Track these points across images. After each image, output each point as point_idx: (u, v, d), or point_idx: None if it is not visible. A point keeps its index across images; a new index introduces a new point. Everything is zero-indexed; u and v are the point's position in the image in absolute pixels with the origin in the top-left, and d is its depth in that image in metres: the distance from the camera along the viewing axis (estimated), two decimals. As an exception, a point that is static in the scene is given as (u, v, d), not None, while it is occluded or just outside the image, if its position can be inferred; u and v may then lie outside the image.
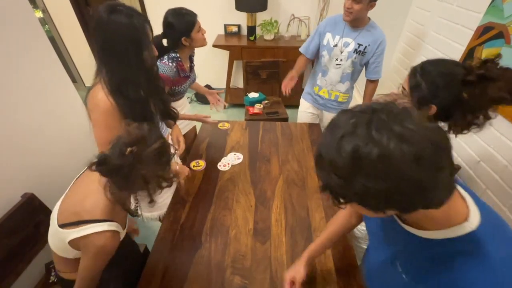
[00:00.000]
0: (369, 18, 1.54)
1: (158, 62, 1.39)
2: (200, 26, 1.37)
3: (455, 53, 1.46)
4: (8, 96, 1.17)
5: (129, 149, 0.65)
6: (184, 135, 1.77)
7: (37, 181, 1.28)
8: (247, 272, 0.97)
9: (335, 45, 1.57)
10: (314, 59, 1.79)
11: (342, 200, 0.44)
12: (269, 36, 2.86)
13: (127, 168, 0.65)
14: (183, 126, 1.71)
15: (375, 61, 1.58)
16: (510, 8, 1.15)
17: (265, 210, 1.21)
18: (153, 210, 1.28)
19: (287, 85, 1.71)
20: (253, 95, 2.68)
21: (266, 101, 2.54)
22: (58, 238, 0.75)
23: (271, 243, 1.07)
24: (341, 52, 1.57)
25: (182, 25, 1.32)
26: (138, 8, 2.91)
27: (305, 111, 1.94)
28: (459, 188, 0.52)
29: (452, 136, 0.89)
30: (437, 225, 0.49)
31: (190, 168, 1.43)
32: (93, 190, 0.73)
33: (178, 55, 1.39)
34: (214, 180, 1.36)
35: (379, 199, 0.40)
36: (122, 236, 0.83)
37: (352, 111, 0.42)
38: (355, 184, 0.39)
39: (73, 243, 0.73)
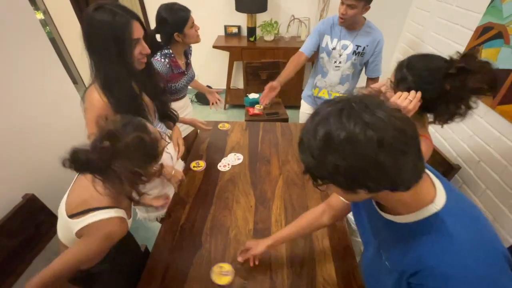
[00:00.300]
0: (365, 18, 1.54)
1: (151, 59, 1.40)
2: (193, 22, 1.36)
3: (455, 53, 1.47)
4: (9, 96, 1.18)
5: (101, 144, 0.65)
6: (185, 137, 1.78)
7: (38, 182, 1.28)
8: (247, 273, 0.97)
9: (334, 48, 1.57)
10: (314, 61, 1.79)
11: (320, 182, 0.50)
12: (269, 37, 2.87)
13: (99, 163, 0.64)
14: (185, 128, 1.71)
15: (374, 60, 1.59)
16: (509, 8, 1.15)
17: (265, 210, 1.21)
18: (150, 211, 1.27)
19: (265, 97, 1.64)
20: (253, 96, 2.68)
21: (266, 102, 2.54)
22: (67, 229, 0.76)
23: (271, 244, 1.07)
24: (340, 55, 1.57)
25: (174, 20, 1.31)
26: (138, 7, 2.92)
27: (305, 112, 1.95)
28: (429, 173, 0.56)
29: (450, 132, 0.91)
30: (408, 208, 0.53)
31: (190, 169, 1.44)
32: (86, 184, 0.74)
33: (171, 51, 1.39)
34: (214, 180, 1.37)
35: (348, 177, 0.45)
36: (129, 225, 0.83)
37: (330, 101, 0.48)
38: (327, 163, 0.45)
39: (80, 233, 0.73)
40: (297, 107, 3.15)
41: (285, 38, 2.91)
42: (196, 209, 1.22)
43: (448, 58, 0.78)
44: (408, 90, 0.80)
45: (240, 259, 0.98)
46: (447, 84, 0.75)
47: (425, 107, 0.81)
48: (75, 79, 3.41)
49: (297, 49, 2.88)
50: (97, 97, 0.90)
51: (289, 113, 2.54)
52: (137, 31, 0.89)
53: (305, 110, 1.95)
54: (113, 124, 0.70)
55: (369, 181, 0.45)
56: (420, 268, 0.50)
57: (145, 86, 1.03)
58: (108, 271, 0.89)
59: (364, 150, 0.42)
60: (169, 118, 1.20)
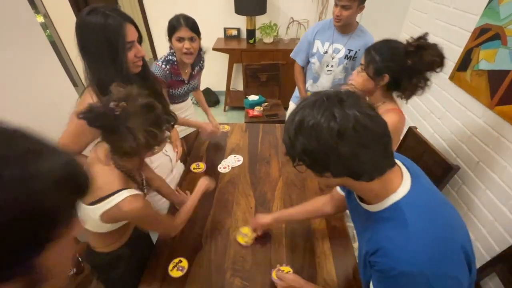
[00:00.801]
0: (357, 23, 1.54)
1: (153, 64, 1.40)
2: (181, 37, 1.28)
3: (453, 54, 1.47)
4: (9, 99, 1.18)
5: (115, 102, 0.66)
6: (186, 137, 1.79)
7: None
8: (247, 274, 0.97)
9: (325, 52, 1.57)
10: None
11: (296, 163, 0.57)
12: (268, 39, 2.88)
13: (113, 119, 0.65)
14: (184, 128, 1.71)
15: None
16: (506, 10, 1.16)
17: (265, 211, 1.21)
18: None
19: None
20: (252, 97, 2.69)
21: (265, 104, 2.55)
22: (88, 216, 0.77)
23: (271, 245, 1.07)
24: (332, 58, 1.57)
25: (168, 25, 1.30)
26: (137, 8, 2.94)
27: None
28: (401, 165, 0.63)
29: (449, 133, 0.98)
30: (377, 198, 0.60)
31: (190, 171, 1.44)
32: (97, 172, 0.76)
33: (175, 58, 1.39)
34: (214, 182, 1.37)
35: (312, 159, 0.54)
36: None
37: (313, 94, 0.56)
38: (297, 145, 0.53)
39: (105, 217, 0.75)
40: (297, 108, 3.17)
41: (284, 40, 2.92)
42: (196, 210, 1.21)
43: (406, 42, 0.94)
44: (377, 70, 0.97)
45: (250, 226, 1.09)
46: (409, 59, 0.91)
47: (391, 83, 0.97)
48: (76, 81, 3.42)
49: (296, 51, 2.87)
50: (89, 102, 0.88)
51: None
52: (131, 34, 0.88)
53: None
54: (126, 90, 0.72)
55: (330, 165, 0.53)
56: (377, 248, 0.57)
57: (142, 89, 1.04)
58: (127, 255, 0.92)
59: (325, 138, 0.50)
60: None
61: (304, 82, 1.76)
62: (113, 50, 0.85)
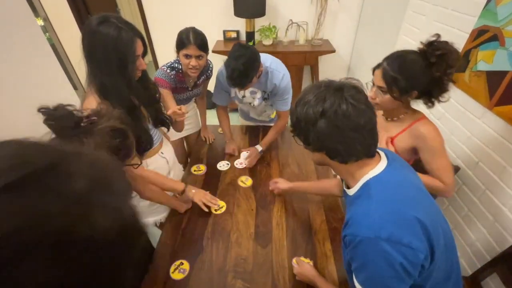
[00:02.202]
0: (262, 64, 1.35)
1: (159, 68, 1.41)
2: (189, 55, 1.29)
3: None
4: (9, 102, 1.18)
5: (88, 113, 0.65)
6: (187, 137, 1.79)
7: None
8: (249, 276, 0.97)
9: (244, 96, 1.50)
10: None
11: (293, 133, 0.69)
12: (267, 42, 2.89)
13: (72, 127, 0.62)
14: (189, 128, 1.71)
15: (282, 98, 1.47)
16: (504, 11, 1.17)
17: (266, 213, 1.21)
18: (148, 216, 1.27)
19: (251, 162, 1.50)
20: (252, 99, 2.69)
21: (265, 105, 2.56)
22: None
23: (273, 247, 1.07)
24: (254, 99, 1.50)
25: (177, 38, 1.30)
26: (136, 9, 2.96)
27: (244, 122, 1.89)
28: (382, 153, 0.70)
29: (448, 134, 0.98)
30: (354, 180, 0.68)
31: (191, 173, 1.44)
32: None
33: (180, 66, 1.38)
34: (215, 184, 1.37)
35: (299, 127, 0.65)
36: None
37: (320, 80, 0.67)
38: (294, 114, 0.66)
39: None
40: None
41: (283, 43, 2.94)
42: (197, 213, 1.22)
43: (417, 50, 0.91)
44: (403, 90, 0.91)
45: (271, 187, 1.27)
46: (436, 71, 0.86)
47: (421, 96, 0.94)
48: (75, 85, 3.42)
49: (295, 53, 2.90)
50: (94, 104, 0.90)
51: (289, 116, 2.55)
52: (139, 48, 0.93)
53: (245, 123, 1.88)
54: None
55: (310, 137, 0.64)
56: (347, 221, 0.65)
57: (141, 96, 1.06)
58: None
59: (310, 113, 0.61)
60: (162, 124, 1.21)
61: (228, 123, 1.65)
62: (122, 62, 0.89)
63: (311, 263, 1.00)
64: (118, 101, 0.93)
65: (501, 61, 1.17)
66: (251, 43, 2.88)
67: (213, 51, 2.85)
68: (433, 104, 0.95)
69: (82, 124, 0.65)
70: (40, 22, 2.88)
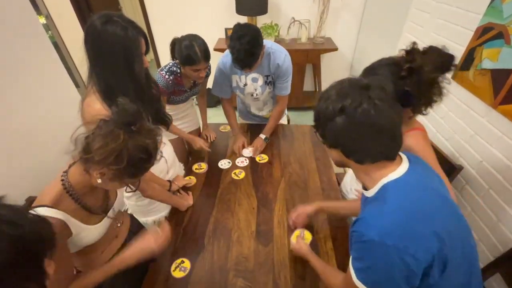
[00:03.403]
0: (264, 46, 1.32)
1: (157, 72, 1.39)
2: (198, 69, 1.29)
3: (455, 53, 1.46)
4: (12, 100, 1.19)
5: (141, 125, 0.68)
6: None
7: (41, 184, 1.28)
8: (250, 275, 0.97)
9: (245, 84, 1.49)
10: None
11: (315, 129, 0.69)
12: (269, 40, 2.88)
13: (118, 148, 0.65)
14: (187, 126, 1.71)
15: (283, 81, 1.46)
16: (509, 8, 1.15)
17: (267, 212, 1.21)
18: (147, 215, 1.27)
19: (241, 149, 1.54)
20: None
21: (267, 104, 2.55)
22: None
23: (274, 245, 1.07)
24: (255, 89, 1.50)
25: (182, 56, 1.26)
26: (138, 8, 2.95)
27: (244, 121, 1.88)
28: (403, 156, 0.68)
29: (451, 132, 0.91)
30: (373, 182, 0.65)
31: (192, 171, 1.44)
32: (54, 181, 0.74)
33: (179, 70, 1.38)
34: (216, 183, 1.37)
35: (319, 123, 0.65)
36: (97, 232, 0.81)
37: (347, 78, 0.66)
38: (316, 107, 0.66)
39: None
40: (298, 108, 3.16)
41: (285, 40, 2.92)
42: (198, 211, 1.22)
43: (398, 57, 0.80)
44: None
45: (291, 221, 1.11)
46: (406, 86, 0.76)
47: (403, 105, 0.81)
48: (77, 82, 3.43)
49: (297, 51, 2.87)
50: (101, 109, 0.88)
51: (290, 115, 2.55)
52: (142, 47, 0.93)
53: (243, 121, 1.87)
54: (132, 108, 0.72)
55: (326, 131, 0.64)
56: (357, 219, 0.63)
57: (146, 95, 1.05)
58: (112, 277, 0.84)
59: (330, 107, 0.61)
60: (161, 123, 1.20)
61: (235, 117, 1.67)
62: (129, 61, 0.89)
63: (311, 239, 1.06)
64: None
65: (507, 59, 1.16)
66: (253, 41, 2.86)
67: (215, 49, 2.84)
68: (418, 113, 0.85)
69: (133, 127, 0.68)
70: (42, 20, 2.88)
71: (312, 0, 2.80)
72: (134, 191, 0.88)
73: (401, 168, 0.64)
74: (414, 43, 0.79)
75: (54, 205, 0.71)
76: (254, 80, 1.47)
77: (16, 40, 1.21)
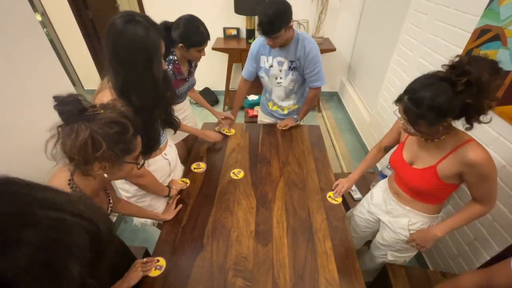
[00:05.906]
0: (293, 30, 1.47)
1: None
2: (203, 49, 1.35)
3: (453, 55, 1.48)
4: (7, 97, 1.17)
5: (93, 105, 0.67)
6: (186, 138, 1.78)
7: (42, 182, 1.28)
8: (249, 274, 0.97)
9: (271, 66, 1.56)
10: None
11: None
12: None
13: (77, 113, 0.64)
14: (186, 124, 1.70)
15: (311, 71, 1.52)
16: (506, 11, 1.17)
17: (266, 212, 1.21)
18: None
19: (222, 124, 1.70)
20: (252, 97, 2.69)
21: (265, 104, 2.55)
22: None
23: (273, 245, 1.07)
24: (280, 71, 1.56)
25: (189, 37, 1.28)
26: (136, 7, 2.93)
27: (263, 121, 1.93)
28: None
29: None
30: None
31: (191, 171, 1.43)
32: (55, 174, 0.76)
33: (175, 57, 1.38)
34: (215, 182, 1.36)
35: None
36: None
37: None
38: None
39: None
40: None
41: (284, 40, 2.92)
42: (197, 211, 1.21)
43: (441, 73, 0.81)
44: (433, 120, 0.82)
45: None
46: (466, 99, 0.77)
47: (459, 117, 0.84)
48: (74, 81, 3.40)
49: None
50: (110, 98, 0.89)
51: (289, 114, 2.55)
52: (162, 50, 0.94)
53: (262, 118, 1.94)
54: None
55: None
56: None
57: (163, 96, 1.06)
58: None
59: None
60: (170, 126, 1.20)
61: (242, 99, 1.79)
62: (148, 62, 0.89)
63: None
64: (140, 100, 0.92)
65: (503, 61, 1.17)
66: (251, 41, 2.86)
67: (213, 49, 2.83)
68: (471, 126, 0.86)
69: (86, 112, 0.65)
70: (38, 17, 2.85)
71: (311, 1, 2.80)
72: (142, 165, 0.85)
73: None
74: (458, 56, 0.80)
75: None
76: (280, 63, 1.54)
77: (12, 37, 1.19)
